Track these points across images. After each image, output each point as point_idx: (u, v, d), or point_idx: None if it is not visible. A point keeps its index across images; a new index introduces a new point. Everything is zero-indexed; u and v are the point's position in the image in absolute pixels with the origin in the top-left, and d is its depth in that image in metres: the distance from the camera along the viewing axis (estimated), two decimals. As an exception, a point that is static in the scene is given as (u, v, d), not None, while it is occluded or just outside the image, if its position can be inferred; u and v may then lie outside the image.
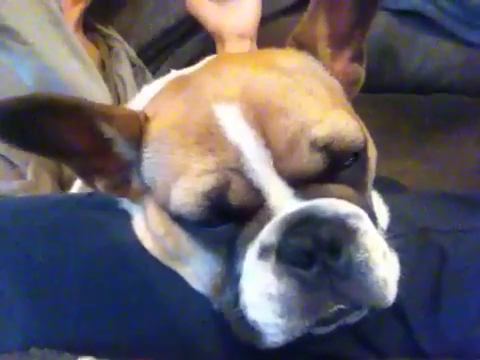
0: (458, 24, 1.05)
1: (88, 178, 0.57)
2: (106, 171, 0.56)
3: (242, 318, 0.48)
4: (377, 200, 0.59)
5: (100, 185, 0.56)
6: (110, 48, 1.16)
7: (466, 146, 1.09)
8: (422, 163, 1.11)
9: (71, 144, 0.53)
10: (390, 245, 0.49)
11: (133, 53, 1.17)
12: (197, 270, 0.53)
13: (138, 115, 0.54)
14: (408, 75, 1.15)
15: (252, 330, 0.47)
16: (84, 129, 0.52)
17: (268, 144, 0.48)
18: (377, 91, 1.11)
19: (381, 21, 1.09)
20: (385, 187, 0.62)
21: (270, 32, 1.04)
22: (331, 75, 0.57)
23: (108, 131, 0.53)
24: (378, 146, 0.59)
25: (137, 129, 0.53)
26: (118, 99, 1.09)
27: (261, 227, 0.47)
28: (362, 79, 0.60)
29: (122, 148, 0.54)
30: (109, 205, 0.61)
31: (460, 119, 1.12)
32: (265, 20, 1.06)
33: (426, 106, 1.16)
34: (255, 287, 0.46)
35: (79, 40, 1.02)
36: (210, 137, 0.48)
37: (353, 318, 0.48)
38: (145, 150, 0.53)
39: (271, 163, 0.47)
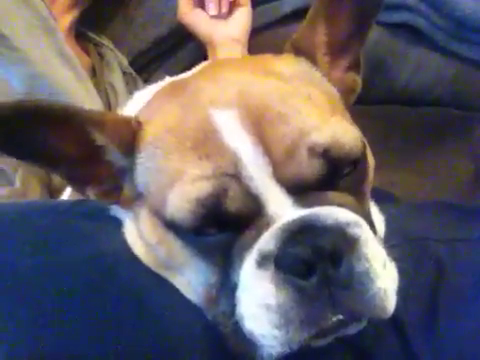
0: (449, 38, 1.06)
1: (79, 186, 0.56)
2: (97, 179, 0.54)
3: (237, 330, 0.46)
4: (373, 209, 0.59)
5: (91, 193, 0.55)
6: (101, 56, 1.15)
7: (457, 159, 1.10)
8: (413, 175, 1.11)
9: (61, 152, 0.51)
10: (388, 255, 0.48)
11: (125, 62, 1.16)
12: (191, 280, 0.52)
13: (130, 121, 0.53)
14: (399, 87, 1.15)
15: (248, 342, 0.46)
16: (74, 136, 0.51)
17: (266, 151, 0.47)
18: (368, 103, 1.12)
19: (373, 34, 1.07)
20: (378, 198, 0.61)
21: (267, 42, 1.04)
22: (329, 83, 0.56)
23: (99, 138, 0.52)
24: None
25: (129, 136, 0.52)
26: (109, 107, 1.07)
27: (259, 235, 0.46)
28: (359, 88, 0.60)
29: (114, 155, 0.53)
30: (98, 213, 0.59)
31: (450, 132, 1.12)
32: (262, 30, 1.07)
33: (417, 119, 1.17)
34: (252, 297, 0.45)
35: (70, 48, 1.01)
36: (207, 142, 0.47)
37: (352, 329, 0.47)
38: (139, 155, 0.52)
39: (269, 170, 0.47)
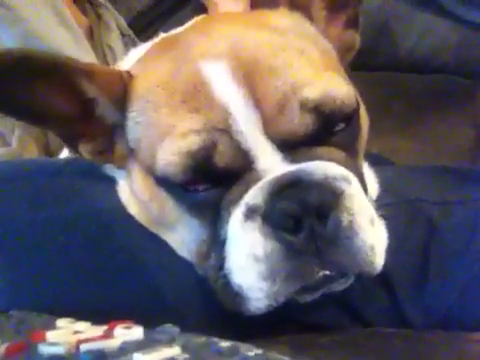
0: (456, 2, 1.03)
1: (72, 143, 0.55)
2: (90, 136, 0.54)
3: (227, 283, 0.47)
4: (368, 171, 0.58)
5: (84, 151, 0.55)
6: (99, 17, 1.13)
7: (459, 126, 1.09)
8: (414, 142, 1.11)
9: (51, 106, 0.51)
10: (379, 214, 0.48)
11: (123, 23, 1.14)
12: (182, 236, 0.52)
13: (121, 73, 0.52)
14: (403, 53, 1.13)
15: (236, 295, 0.46)
16: (64, 88, 0.50)
17: (257, 105, 0.46)
18: (371, 69, 1.10)
19: (376, -2, 1.07)
20: (375, 163, 0.61)
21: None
22: (325, 39, 0.55)
23: (90, 90, 0.51)
24: (370, 124, 0.57)
25: (120, 88, 0.51)
26: (107, 69, 1.06)
27: (247, 190, 0.46)
28: (357, 45, 0.58)
29: (105, 109, 0.52)
30: (92, 171, 0.59)
31: (454, 99, 1.11)
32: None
33: (420, 86, 1.15)
34: (240, 248, 0.45)
35: (67, 7, 0.99)
36: (197, 95, 0.47)
37: (339, 286, 0.48)
38: (130, 110, 0.52)
39: (260, 125, 0.46)
